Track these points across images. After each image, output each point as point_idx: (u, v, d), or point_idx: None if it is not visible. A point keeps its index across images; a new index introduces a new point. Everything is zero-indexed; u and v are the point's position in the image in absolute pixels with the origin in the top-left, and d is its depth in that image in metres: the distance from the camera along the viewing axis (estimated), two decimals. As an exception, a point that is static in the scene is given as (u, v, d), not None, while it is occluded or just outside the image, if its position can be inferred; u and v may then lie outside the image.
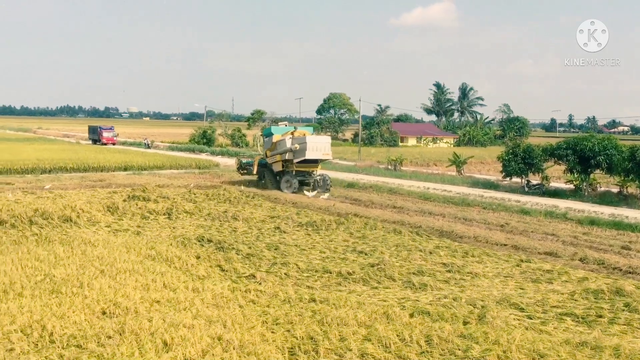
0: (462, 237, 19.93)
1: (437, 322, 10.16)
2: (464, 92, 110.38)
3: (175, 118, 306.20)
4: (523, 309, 12.02)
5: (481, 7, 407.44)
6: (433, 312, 10.98)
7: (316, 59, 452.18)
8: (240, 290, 12.23)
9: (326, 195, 30.80)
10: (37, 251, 14.10)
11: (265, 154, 33.42)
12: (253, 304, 11.44)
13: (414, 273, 14.77)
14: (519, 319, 11.30)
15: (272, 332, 9.66)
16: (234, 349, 8.67)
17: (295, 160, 30.92)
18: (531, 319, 11.44)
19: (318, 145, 30.70)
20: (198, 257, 15.21)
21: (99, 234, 18.06)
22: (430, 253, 17.25)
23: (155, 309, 10.23)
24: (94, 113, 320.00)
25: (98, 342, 8.73)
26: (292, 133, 31.94)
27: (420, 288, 13.59)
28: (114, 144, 71.32)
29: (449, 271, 15.22)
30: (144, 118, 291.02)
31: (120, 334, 8.95)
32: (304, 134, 32.04)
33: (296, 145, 30.76)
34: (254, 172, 33.89)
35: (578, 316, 11.53)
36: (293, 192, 30.73)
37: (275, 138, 32.25)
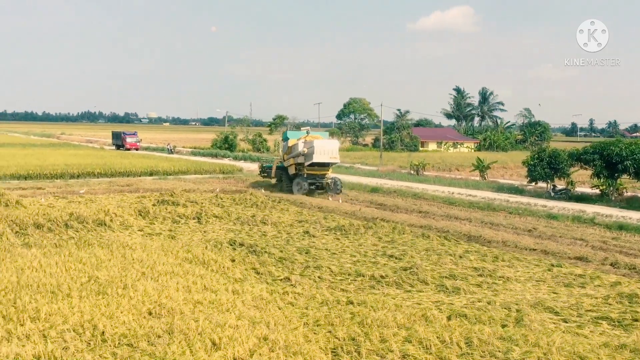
0: (491, 242, 20.01)
1: (476, 325, 10.31)
2: (484, 96, 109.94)
3: (194, 123, 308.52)
4: (558, 312, 12.12)
5: (499, 11, 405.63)
6: (470, 315, 11.14)
7: (335, 65, 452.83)
8: (278, 293, 12.50)
9: (338, 197, 31.49)
10: (78, 254, 14.49)
11: (283, 157, 34.36)
12: (291, 306, 11.70)
13: (446, 277, 14.91)
14: (554, 323, 11.41)
15: (314, 333, 9.89)
16: (279, 348, 8.90)
17: (306, 164, 32.07)
18: (567, 322, 11.54)
19: (326, 149, 31.83)
20: (233, 261, 15.52)
21: (134, 238, 18.47)
22: (460, 257, 17.38)
23: (198, 310, 10.52)
24: (114, 119, 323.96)
25: (148, 342, 9.03)
26: (305, 137, 33.13)
27: (453, 292, 13.74)
28: (137, 149, 72.24)
29: (480, 275, 15.34)
30: (164, 124, 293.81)
31: (170, 334, 9.24)
32: (316, 138, 33.10)
33: (305, 149, 31.98)
34: (272, 175, 35.14)
35: (614, 320, 11.61)
36: (303, 194, 31.73)
37: (290, 142, 33.54)
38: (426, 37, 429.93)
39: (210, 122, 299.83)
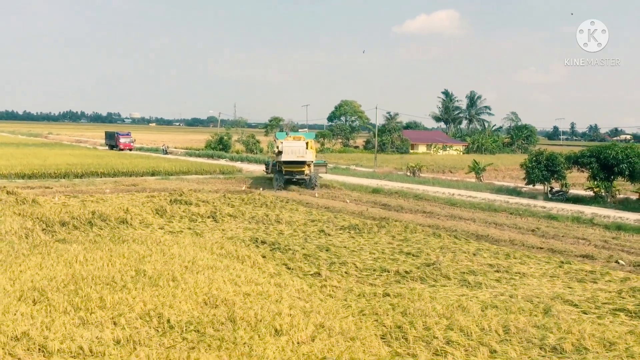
0: (499, 241, 20.90)
1: (512, 314, 11.12)
2: (472, 100, 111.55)
3: (178, 124, 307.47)
4: (577, 305, 12.97)
5: (484, 15, 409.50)
6: (500, 306, 11.95)
7: (325, 67, 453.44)
8: (316, 286, 13.23)
9: (314, 191, 34.93)
10: (118, 249, 15.09)
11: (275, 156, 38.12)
12: (331, 298, 12.43)
13: (465, 272, 15.73)
14: (576, 314, 12.25)
15: (363, 322, 10.63)
16: (336, 334, 9.64)
17: (282, 161, 35.77)
18: (586, 314, 12.38)
19: (293, 149, 35.82)
20: (264, 257, 16.21)
21: (158, 235, 19.04)
22: (474, 255, 18.23)
23: (250, 301, 11.21)
24: (97, 118, 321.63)
25: (214, 328, 9.71)
26: (287, 138, 37.68)
27: (475, 286, 14.55)
28: (130, 149, 72.36)
29: (497, 271, 16.19)
30: (150, 124, 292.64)
31: (232, 322, 9.92)
32: (297, 139, 37.34)
33: (278, 150, 36.14)
34: (270, 171, 38.90)
35: (631, 311, 12.47)
36: (278, 189, 35.05)
37: (277, 143, 37.45)
38: (412, 40, 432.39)
39: (194, 122, 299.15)
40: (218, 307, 10.80)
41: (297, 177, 36.60)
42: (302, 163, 36.14)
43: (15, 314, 9.87)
